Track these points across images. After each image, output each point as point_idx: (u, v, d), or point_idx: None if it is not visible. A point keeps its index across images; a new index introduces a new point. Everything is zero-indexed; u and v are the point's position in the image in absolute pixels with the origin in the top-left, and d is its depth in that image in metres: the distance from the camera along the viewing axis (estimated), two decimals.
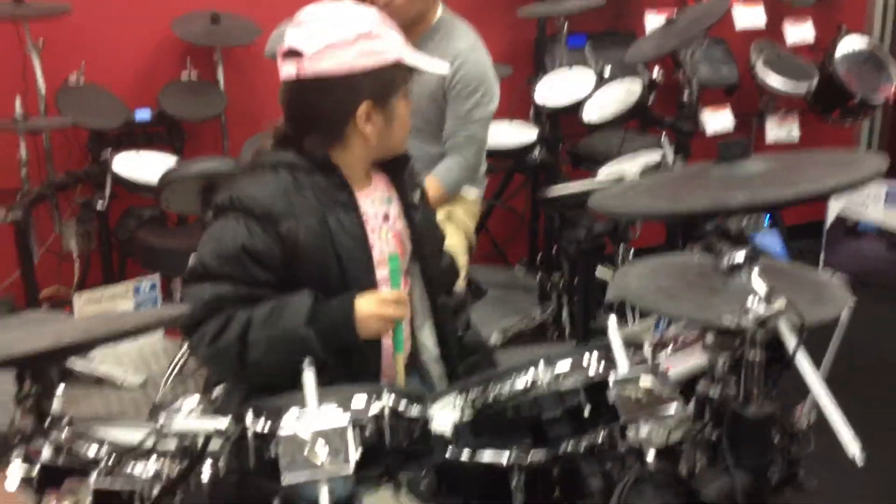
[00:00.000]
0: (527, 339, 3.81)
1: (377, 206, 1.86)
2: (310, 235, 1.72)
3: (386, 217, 1.87)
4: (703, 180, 1.34)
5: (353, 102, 1.74)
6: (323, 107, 1.76)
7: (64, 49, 3.87)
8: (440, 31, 2.95)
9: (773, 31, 4.64)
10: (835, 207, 4.45)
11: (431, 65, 1.84)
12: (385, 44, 1.74)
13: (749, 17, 4.46)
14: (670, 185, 1.43)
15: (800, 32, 4.64)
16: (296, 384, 1.26)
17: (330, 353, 1.64)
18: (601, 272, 3.58)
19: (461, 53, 2.89)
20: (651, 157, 3.37)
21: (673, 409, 1.31)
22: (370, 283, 1.80)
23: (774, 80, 4.36)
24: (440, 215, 2.94)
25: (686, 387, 1.68)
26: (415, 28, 2.90)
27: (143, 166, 3.66)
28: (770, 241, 4.02)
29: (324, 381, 1.66)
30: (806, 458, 1.54)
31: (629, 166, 3.33)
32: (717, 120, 4.42)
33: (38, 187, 3.67)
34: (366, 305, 1.71)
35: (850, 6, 4.93)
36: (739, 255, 1.32)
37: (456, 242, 2.95)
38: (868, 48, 4.49)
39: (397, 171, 1.91)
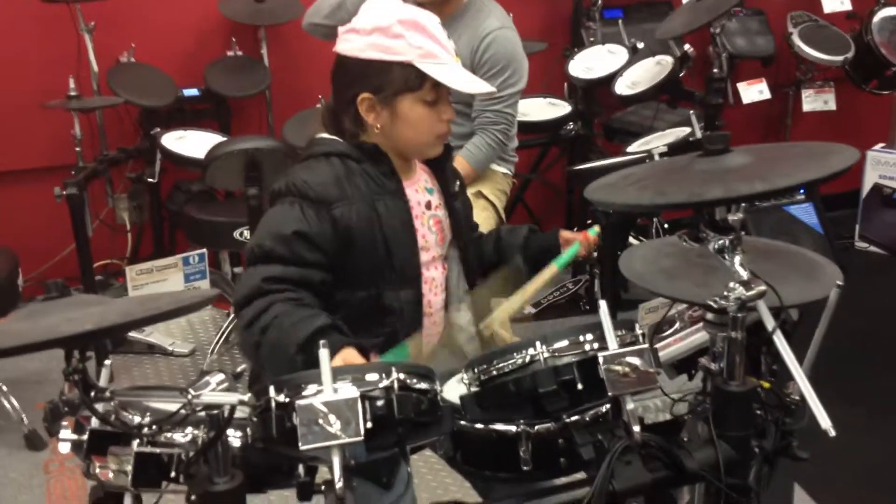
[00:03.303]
0: (560, 311, 3.89)
1: (420, 195, 1.95)
2: (361, 219, 1.81)
3: (428, 205, 1.96)
4: (687, 173, 1.43)
5: (354, 88, 1.84)
6: (338, 86, 1.88)
7: (115, 30, 4.03)
8: (471, 10, 3.03)
9: (810, 0, 4.63)
10: (871, 177, 4.46)
11: (450, 78, 1.82)
12: (400, 44, 1.78)
13: None
14: (657, 176, 1.51)
15: (836, 3, 4.62)
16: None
17: None
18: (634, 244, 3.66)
19: (490, 32, 2.97)
20: (680, 132, 3.43)
21: (658, 384, 1.41)
22: (414, 266, 1.90)
23: (810, 51, 4.36)
24: (469, 192, 3.04)
25: (694, 361, 1.79)
26: (446, 6, 2.99)
27: (191, 142, 3.82)
28: (804, 211, 4.04)
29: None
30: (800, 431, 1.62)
31: (658, 142, 3.39)
32: (753, 92, 4.43)
33: (91, 163, 3.82)
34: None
35: None
36: (722, 242, 1.41)
37: (485, 219, 3.04)
38: None
39: (439, 163, 1.99)
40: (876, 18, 4.41)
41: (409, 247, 1.88)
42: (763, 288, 1.39)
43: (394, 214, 1.86)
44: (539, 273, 1.96)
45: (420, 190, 1.95)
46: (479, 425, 1.57)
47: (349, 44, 1.84)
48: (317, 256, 1.78)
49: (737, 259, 1.41)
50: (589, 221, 2.09)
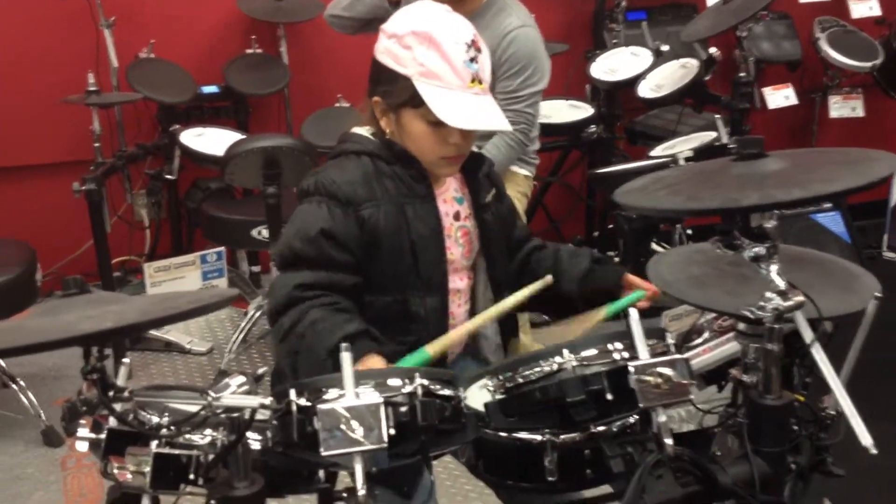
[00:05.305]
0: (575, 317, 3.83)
1: (448, 206, 1.89)
2: (388, 221, 1.77)
3: (457, 216, 1.90)
4: (721, 178, 1.39)
5: (371, 88, 1.82)
6: (369, 79, 1.85)
7: (134, 25, 4.02)
8: (492, 9, 2.98)
9: (838, 5, 4.58)
10: None
11: (441, 105, 1.71)
12: (407, 56, 1.73)
13: None
14: (690, 181, 1.47)
15: (865, 8, 4.56)
16: None
17: None
18: (657, 250, 3.61)
19: (511, 31, 2.91)
20: (706, 137, 3.38)
21: (692, 396, 1.36)
22: (441, 273, 1.85)
23: (838, 56, 4.31)
24: None
25: (724, 372, 1.74)
26: (465, 5, 2.94)
27: (209, 139, 3.80)
28: (832, 220, 3.98)
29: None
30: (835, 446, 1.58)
31: (683, 147, 3.34)
32: (779, 97, 4.38)
33: (110, 159, 3.81)
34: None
35: None
36: (758, 250, 1.37)
37: None
38: None
39: (472, 171, 1.93)
40: None
41: (436, 254, 1.83)
42: (801, 299, 1.35)
43: (422, 219, 1.81)
44: (584, 318, 1.87)
45: (448, 200, 1.90)
46: (503, 434, 1.53)
47: (377, 42, 1.81)
48: (346, 257, 1.75)
49: (773, 268, 1.36)
50: None
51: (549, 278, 1.86)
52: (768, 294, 1.36)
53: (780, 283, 1.36)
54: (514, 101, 2.95)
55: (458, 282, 1.91)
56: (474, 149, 1.93)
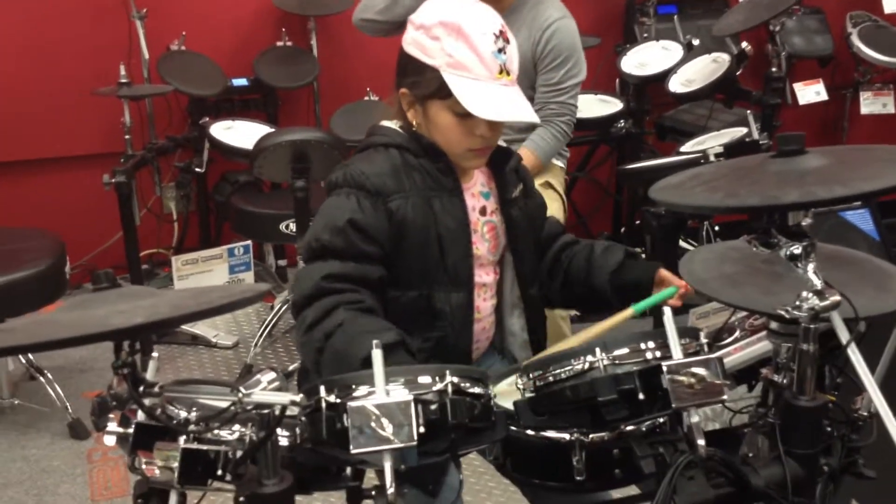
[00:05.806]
0: (604, 313, 3.80)
1: (475, 200, 1.89)
2: (416, 214, 1.77)
3: (483, 210, 1.90)
4: (760, 175, 1.36)
5: (398, 80, 1.81)
6: (396, 71, 1.84)
7: (166, 17, 4.04)
8: (528, 3, 2.97)
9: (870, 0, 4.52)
10: None
11: (468, 97, 1.70)
12: (435, 47, 1.72)
13: None
14: (728, 177, 1.44)
15: None
16: None
17: None
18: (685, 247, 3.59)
19: (553, 22, 2.92)
20: (736, 132, 3.35)
21: (725, 396, 1.34)
22: (467, 268, 1.84)
23: (870, 52, 4.26)
24: (537, 183, 2.97)
25: (754, 371, 1.72)
26: (503, 0, 2.93)
27: (238, 132, 3.81)
28: (861, 217, 3.93)
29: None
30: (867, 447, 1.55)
31: (713, 142, 3.31)
32: (810, 93, 4.33)
33: (140, 151, 3.82)
34: None
35: None
36: (795, 248, 1.34)
37: (555, 209, 2.98)
38: None
39: (499, 165, 1.92)
40: None
41: (463, 248, 1.82)
42: (837, 298, 1.33)
43: (449, 213, 1.81)
44: (611, 316, 1.85)
45: (475, 194, 1.89)
46: (531, 432, 1.52)
47: (405, 34, 1.81)
48: (373, 249, 1.74)
49: (810, 267, 1.34)
50: None
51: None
52: (804, 293, 1.34)
53: (817, 282, 1.33)
54: (557, 93, 2.96)
55: (485, 276, 1.90)
56: (501, 142, 1.92)
